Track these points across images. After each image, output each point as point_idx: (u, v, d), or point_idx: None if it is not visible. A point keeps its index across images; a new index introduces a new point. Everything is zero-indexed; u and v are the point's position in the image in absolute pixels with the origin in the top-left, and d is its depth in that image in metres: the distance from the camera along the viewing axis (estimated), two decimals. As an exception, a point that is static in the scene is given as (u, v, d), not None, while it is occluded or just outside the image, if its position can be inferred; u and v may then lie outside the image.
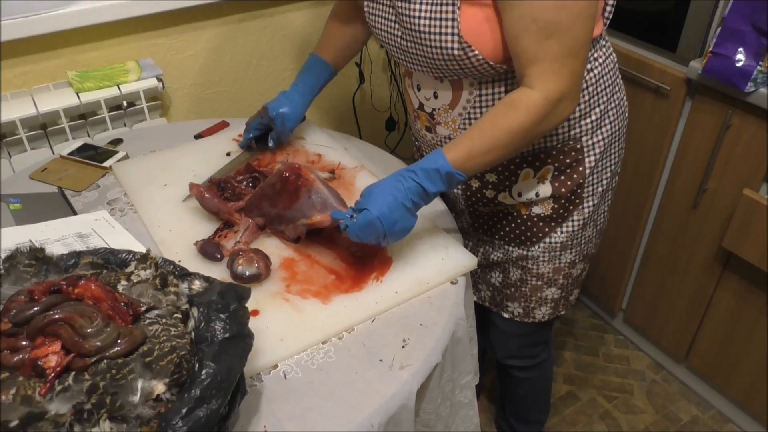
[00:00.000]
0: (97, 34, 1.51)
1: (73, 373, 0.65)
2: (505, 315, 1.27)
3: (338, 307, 0.95)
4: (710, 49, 1.38)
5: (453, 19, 0.91)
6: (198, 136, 1.41)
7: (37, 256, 0.78)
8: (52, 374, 0.64)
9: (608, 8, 1.02)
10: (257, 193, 1.09)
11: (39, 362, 0.65)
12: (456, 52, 0.93)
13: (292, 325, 0.92)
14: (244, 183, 1.18)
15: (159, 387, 0.66)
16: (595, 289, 2.06)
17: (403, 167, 1.11)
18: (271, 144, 1.28)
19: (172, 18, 1.59)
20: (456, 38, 0.92)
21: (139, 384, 0.65)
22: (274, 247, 1.06)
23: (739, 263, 1.54)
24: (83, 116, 1.48)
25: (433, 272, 1.02)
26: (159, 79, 1.53)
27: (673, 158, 1.63)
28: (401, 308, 0.97)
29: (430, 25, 0.93)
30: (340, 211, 0.99)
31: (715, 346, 1.70)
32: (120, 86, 1.49)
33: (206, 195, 1.09)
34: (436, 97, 1.07)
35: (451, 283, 1.02)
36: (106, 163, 1.29)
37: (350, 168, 1.27)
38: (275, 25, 1.78)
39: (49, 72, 1.50)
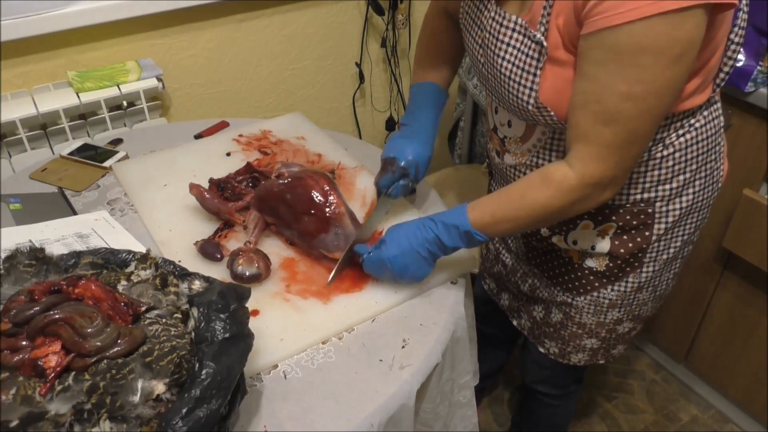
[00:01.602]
0: (97, 34, 1.51)
1: (73, 373, 0.65)
2: (541, 350, 1.23)
3: (338, 307, 0.95)
4: (710, 49, 1.39)
5: (534, 74, 0.86)
6: (198, 136, 1.41)
7: (37, 256, 0.78)
8: (52, 374, 0.64)
9: (722, 75, 0.91)
10: (273, 191, 1.07)
11: (39, 362, 0.65)
12: (530, 108, 0.89)
13: (292, 325, 0.92)
14: (244, 183, 1.18)
15: (159, 387, 0.66)
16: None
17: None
18: (411, 193, 1.18)
19: (172, 18, 1.59)
20: (533, 94, 0.87)
21: (139, 384, 0.65)
22: (274, 247, 1.06)
23: (739, 263, 1.54)
24: (83, 116, 1.48)
25: (433, 272, 1.02)
26: (159, 79, 1.53)
27: (673, 158, 1.63)
28: (401, 308, 0.97)
29: (511, 71, 0.88)
30: (363, 246, 1.00)
31: (715, 346, 1.70)
32: (120, 86, 1.49)
33: (206, 195, 1.09)
34: (509, 125, 1.01)
35: (451, 283, 1.02)
36: (106, 163, 1.29)
37: (350, 168, 1.27)
38: (275, 25, 1.78)
39: (49, 72, 1.50)
